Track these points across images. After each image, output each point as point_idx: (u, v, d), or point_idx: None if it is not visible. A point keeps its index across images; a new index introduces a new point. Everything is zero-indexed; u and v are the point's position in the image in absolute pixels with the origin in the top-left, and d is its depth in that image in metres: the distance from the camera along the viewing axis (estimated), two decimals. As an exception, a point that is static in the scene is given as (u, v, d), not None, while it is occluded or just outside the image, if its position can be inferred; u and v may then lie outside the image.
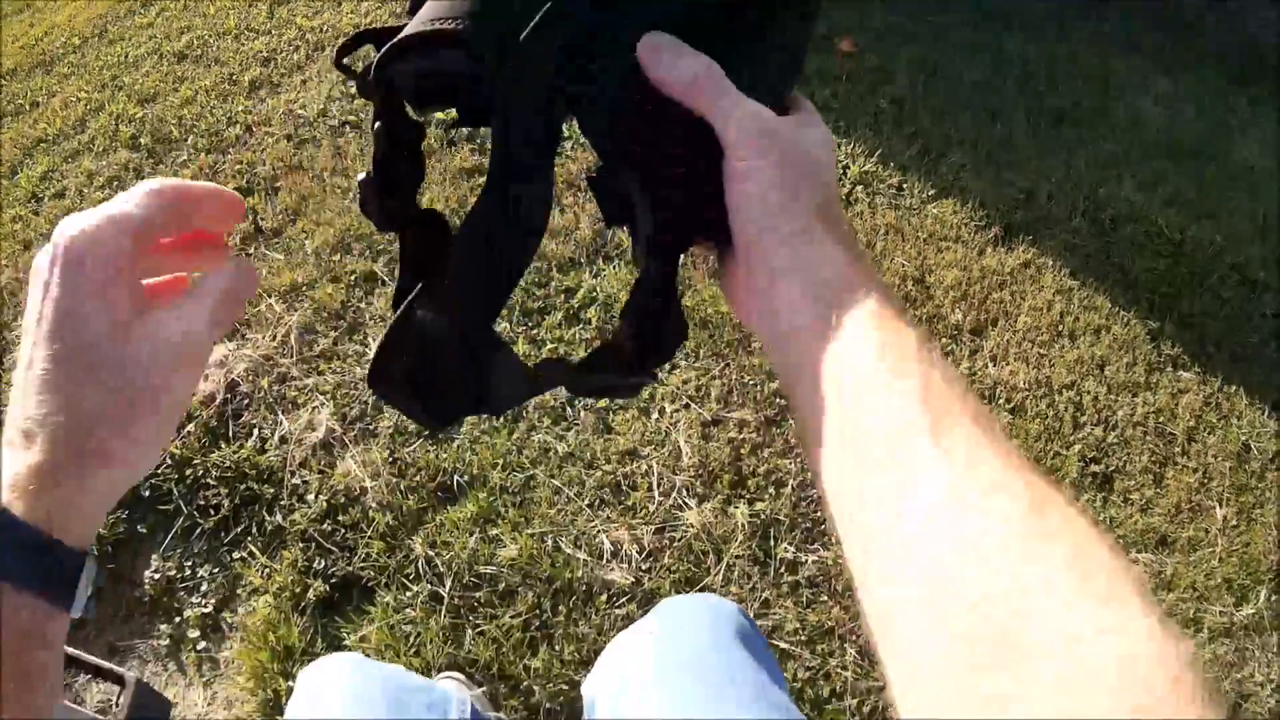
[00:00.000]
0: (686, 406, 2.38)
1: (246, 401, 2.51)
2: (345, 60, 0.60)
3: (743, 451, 2.30)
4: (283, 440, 2.41)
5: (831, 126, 3.33)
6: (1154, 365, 2.72)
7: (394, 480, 2.27)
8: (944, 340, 2.64)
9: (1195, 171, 3.55)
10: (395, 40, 0.51)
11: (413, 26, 0.51)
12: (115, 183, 3.50)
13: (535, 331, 2.59)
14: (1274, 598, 2.24)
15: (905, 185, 3.22)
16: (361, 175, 0.58)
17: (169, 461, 2.35)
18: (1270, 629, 2.19)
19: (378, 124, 0.57)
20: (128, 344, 0.49)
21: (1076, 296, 2.88)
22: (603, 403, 2.35)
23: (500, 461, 2.28)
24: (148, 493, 2.32)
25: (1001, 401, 2.50)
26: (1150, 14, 4.74)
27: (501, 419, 2.34)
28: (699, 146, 0.52)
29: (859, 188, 3.19)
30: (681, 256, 0.58)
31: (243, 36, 4.28)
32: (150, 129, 3.70)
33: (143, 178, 3.31)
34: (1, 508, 0.42)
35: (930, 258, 2.92)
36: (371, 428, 2.40)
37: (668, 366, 2.46)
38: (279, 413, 2.47)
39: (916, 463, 0.41)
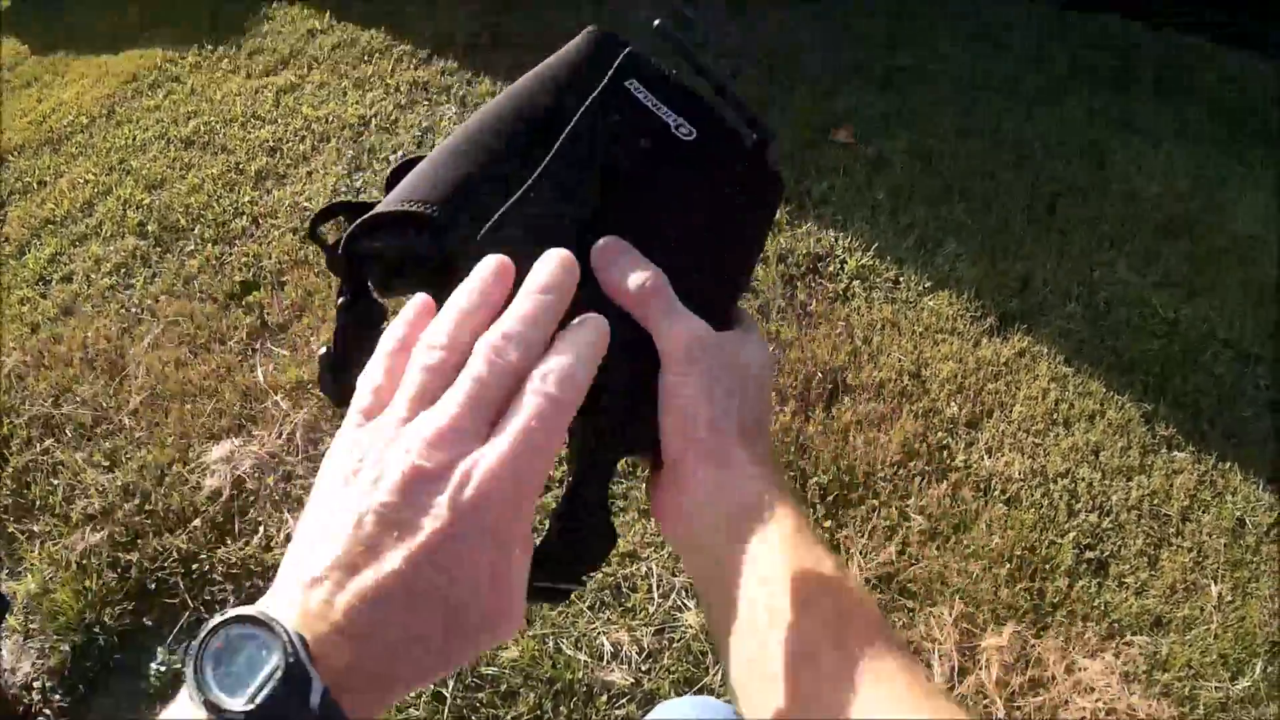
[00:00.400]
0: None
1: (253, 499, 2.71)
2: (320, 229, 0.66)
3: None
4: (288, 539, 2.59)
5: (829, 220, 3.64)
6: (1148, 447, 2.95)
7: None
8: (940, 434, 2.88)
9: (1189, 247, 3.80)
10: (366, 216, 0.55)
11: (385, 205, 0.56)
12: (123, 269, 3.73)
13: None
14: (1270, 669, 2.44)
15: (902, 278, 3.50)
16: (321, 349, 0.61)
17: (175, 556, 2.55)
18: (1267, 700, 2.39)
19: (341, 299, 0.61)
20: (508, 601, 0.45)
21: (1071, 383, 3.12)
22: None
23: None
24: (153, 586, 2.51)
25: (997, 493, 2.73)
26: (1145, 81, 5.05)
27: None
28: (640, 356, 0.56)
29: (856, 282, 3.46)
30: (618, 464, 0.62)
31: (249, 124, 4.60)
32: (157, 216, 3.97)
33: (149, 265, 3.71)
34: (336, 707, 0.38)
35: (926, 351, 3.18)
36: None
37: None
38: (285, 511, 2.68)
39: (819, 685, 0.46)
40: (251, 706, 0.37)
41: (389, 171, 0.66)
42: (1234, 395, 3.19)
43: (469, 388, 0.45)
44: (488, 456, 0.43)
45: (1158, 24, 5.69)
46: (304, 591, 0.41)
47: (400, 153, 4.23)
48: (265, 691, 0.37)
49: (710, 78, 0.62)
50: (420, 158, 0.63)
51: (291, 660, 0.38)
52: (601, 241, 0.57)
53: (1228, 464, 2.93)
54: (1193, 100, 4.97)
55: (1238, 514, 2.80)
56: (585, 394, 0.48)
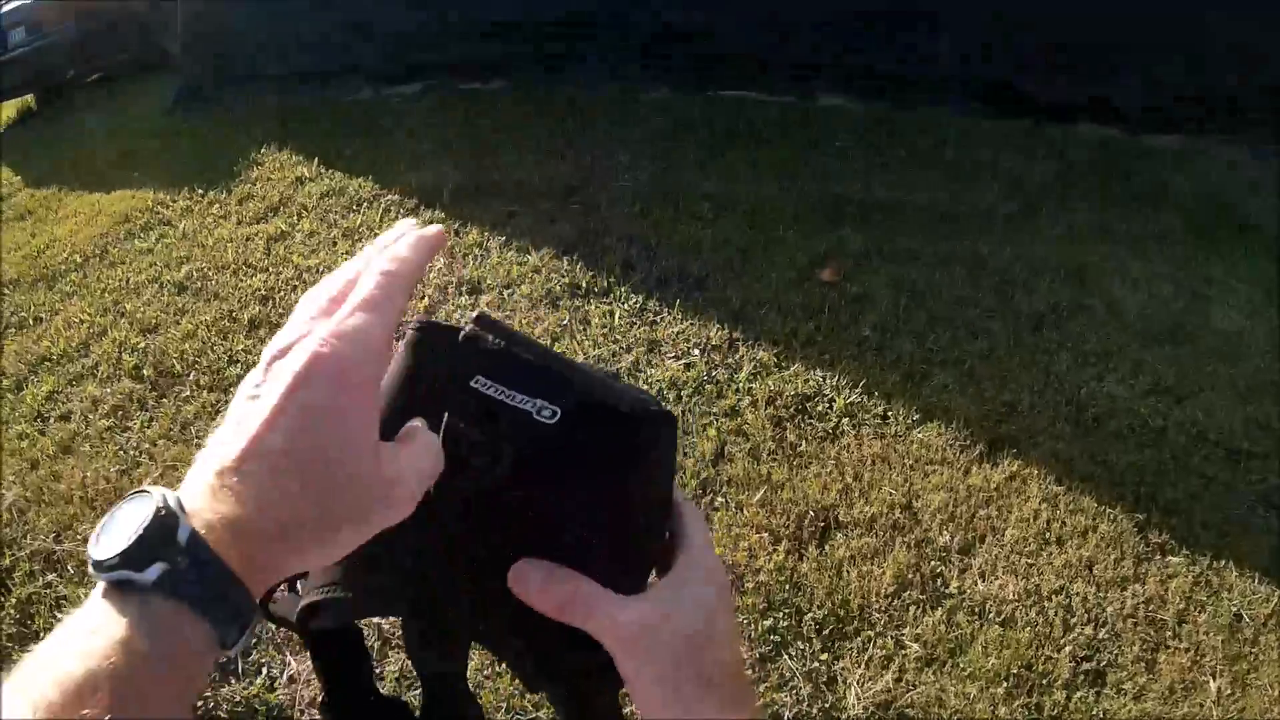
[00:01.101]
0: None
1: (255, 641, 2.97)
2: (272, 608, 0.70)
3: None
4: (291, 680, 2.87)
5: (816, 360, 4.05)
6: (1142, 556, 3.28)
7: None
8: (933, 563, 3.21)
9: (1174, 353, 4.19)
10: (305, 604, 0.63)
11: (306, 593, 0.64)
12: (119, 411, 4.07)
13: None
14: (1273, 761, 2.74)
15: (890, 413, 3.88)
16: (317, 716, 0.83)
17: None
18: (1271, 791, 2.69)
19: (315, 661, 0.70)
20: (377, 464, 0.54)
21: (1062, 502, 3.46)
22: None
23: (504, 704, 2.76)
24: None
25: (991, 615, 3.05)
26: (1120, 189, 5.54)
27: (502, 664, 2.73)
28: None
29: (845, 420, 3.83)
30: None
31: (241, 272, 5.03)
32: (153, 360, 4.35)
33: (146, 410, 4.14)
34: (202, 539, 0.47)
35: (917, 483, 3.55)
36: (378, 671, 2.85)
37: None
38: (287, 653, 2.95)
39: None
40: (125, 545, 0.47)
41: None
42: (1226, 494, 3.52)
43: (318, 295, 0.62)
44: (327, 324, 0.56)
45: (1130, 128, 6.22)
46: (192, 470, 0.51)
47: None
48: (135, 535, 0.47)
49: (543, 367, 0.63)
50: None
51: (162, 510, 0.47)
52: (514, 568, 0.61)
53: (1222, 562, 3.25)
54: (1169, 203, 5.45)
55: (1234, 609, 3.10)
56: (417, 266, 0.64)
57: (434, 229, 0.72)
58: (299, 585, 0.67)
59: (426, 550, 0.62)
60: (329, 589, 0.63)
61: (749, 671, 2.80)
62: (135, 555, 0.47)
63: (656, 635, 0.62)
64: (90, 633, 0.45)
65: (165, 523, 0.48)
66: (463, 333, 0.64)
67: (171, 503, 0.49)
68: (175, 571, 0.47)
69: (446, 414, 0.62)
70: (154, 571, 0.47)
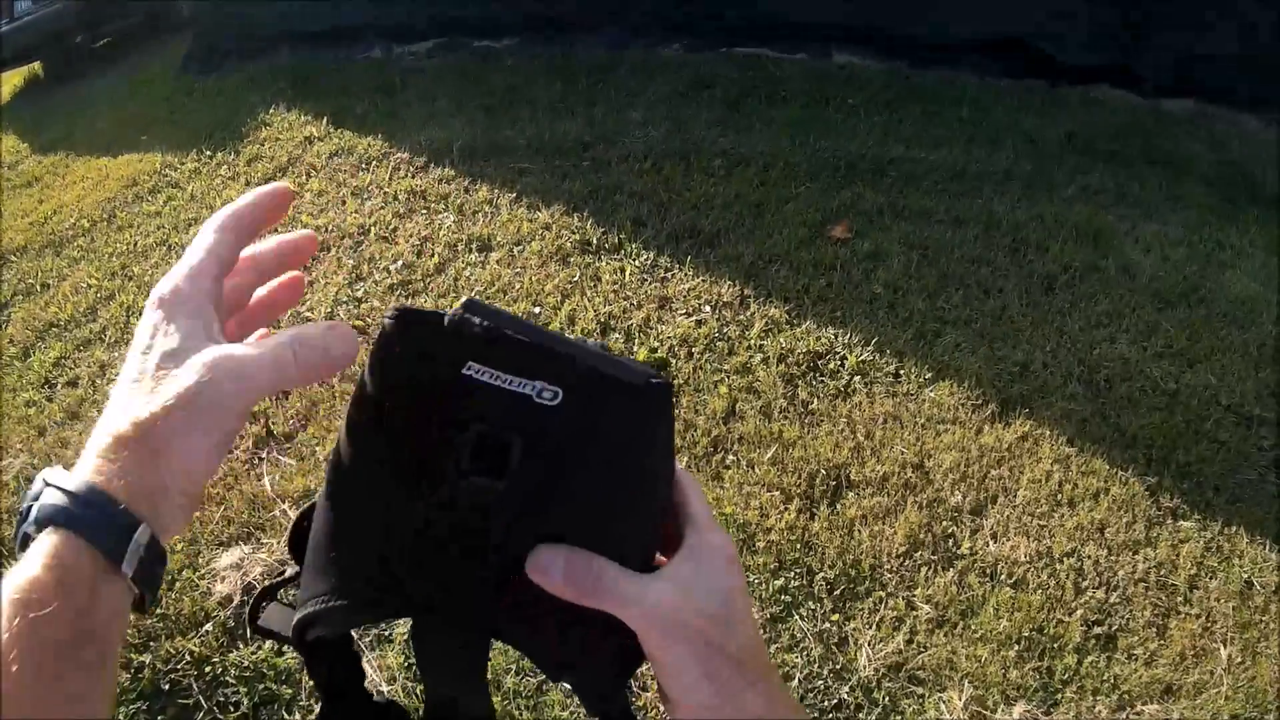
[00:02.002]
0: None
1: (263, 605, 2.98)
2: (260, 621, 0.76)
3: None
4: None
5: (828, 317, 3.97)
6: (1154, 520, 3.22)
7: (410, 684, 2.69)
8: (944, 523, 3.15)
9: (1187, 317, 4.11)
10: (301, 617, 0.63)
11: (301, 605, 0.64)
12: None
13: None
14: (1284, 728, 2.69)
15: (902, 371, 3.81)
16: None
17: (188, 658, 2.78)
18: (1281, 759, 2.64)
19: (312, 674, 0.71)
20: (211, 344, 0.62)
21: (1074, 463, 3.40)
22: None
23: (513, 666, 2.70)
24: (167, 686, 2.73)
25: (1003, 577, 2.99)
26: (1137, 153, 5.43)
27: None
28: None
29: (856, 378, 3.77)
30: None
31: None
32: None
33: None
34: (64, 473, 0.55)
35: (929, 442, 3.48)
36: (388, 633, 2.85)
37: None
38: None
39: None
40: (20, 509, 0.56)
41: (289, 530, 0.74)
42: (1238, 460, 3.46)
43: None
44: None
45: (1146, 91, 6.10)
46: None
47: (400, 261, 4.57)
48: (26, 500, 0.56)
49: (539, 346, 0.59)
50: (309, 513, 0.70)
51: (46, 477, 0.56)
52: (531, 556, 0.59)
53: (1234, 528, 3.19)
54: (1186, 168, 5.35)
55: (1245, 576, 3.04)
56: (250, 207, 0.74)
57: (277, 185, 0.76)
58: (291, 596, 0.69)
59: (431, 546, 0.59)
60: (323, 599, 0.62)
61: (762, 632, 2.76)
62: (24, 512, 0.54)
63: (683, 616, 0.61)
64: None
65: (44, 479, 0.55)
66: (447, 318, 0.58)
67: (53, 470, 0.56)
68: (45, 506, 0.53)
69: (449, 410, 0.59)
70: (31, 514, 0.54)
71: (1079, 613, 2.90)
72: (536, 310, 4.12)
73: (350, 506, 0.64)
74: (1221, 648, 2.85)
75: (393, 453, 0.60)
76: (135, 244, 5.13)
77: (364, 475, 0.63)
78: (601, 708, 0.68)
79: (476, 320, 0.58)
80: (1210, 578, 3.04)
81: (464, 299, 0.60)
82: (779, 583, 2.91)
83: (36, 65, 11.08)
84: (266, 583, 0.80)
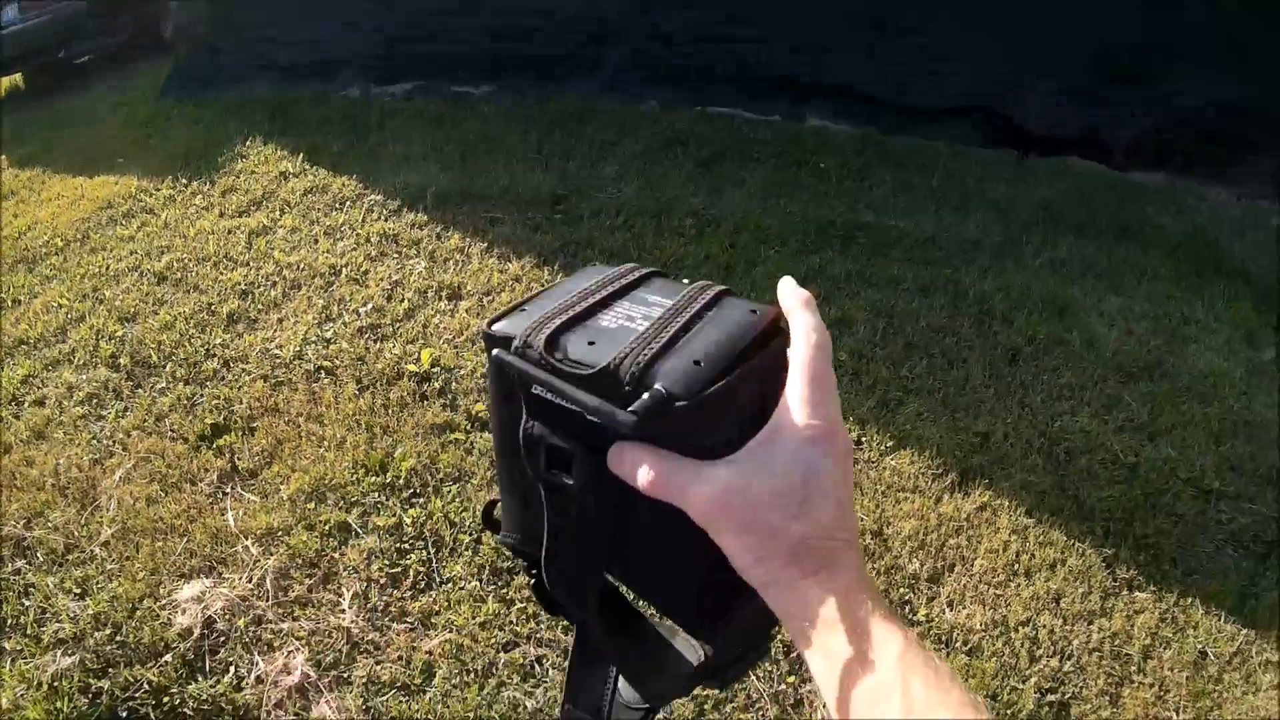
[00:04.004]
0: None
1: (223, 639, 3.06)
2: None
3: (705, 708, 2.90)
4: (259, 680, 2.94)
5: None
6: (1109, 591, 3.40)
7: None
8: (901, 590, 3.33)
9: (1149, 390, 4.33)
10: (499, 539, 0.85)
11: (502, 537, 0.84)
12: (95, 400, 4.16)
13: (504, 591, 3.24)
14: (1233, 797, 2.86)
15: (864, 438, 3.99)
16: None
17: (146, 687, 2.87)
18: (1232, 829, 2.80)
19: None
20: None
21: (1032, 534, 3.58)
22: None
23: (472, 715, 2.85)
24: (125, 714, 2.83)
25: (958, 644, 3.16)
26: (1105, 224, 5.70)
27: (471, 675, 2.92)
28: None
29: (819, 447, 3.94)
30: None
31: (221, 265, 5.12)
32: (130, 349, 4.43)
33: (121, 399, 4.25)
34: None
35: (888, 509, 3.66)
36: (346, 675, 2.96)
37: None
38: (255, 653, 3.02)
39: None
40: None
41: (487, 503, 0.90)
42: (1195, 532, 3.65)
43: None
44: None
45: (1116, 162, 6.40)
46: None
47: (370, 304, 4.72)
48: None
49: (562, 394, 0.68)
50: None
51: None
52: (610, 452, 0.68)
53: (1189, 599, 3.37)
54: (1153, 240, 5.63)
55: (1200, 646, 3.22)
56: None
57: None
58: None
59: (564, 523, 0.73)
60: (505, 535, 0.84)
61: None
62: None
63: (738, 503, 0.66)
64: None
65: None
66: (493, 356, 0.72)
67: None
68: None
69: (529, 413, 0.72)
70: None
71: (1033, 680, 3.07)
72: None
73: (504, 467, 0.80)
74: (1175, 716, 3.02)
75: (514, 431, 0.73)
76: (107, 267, 5.26)
77: (505, 443, 0.77)
78: (695, 633, 0.83)
79: (512, 366, 0.70)
80: (1164, 648, 3.22)
81: (521, 339, 0.71)
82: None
83: (18, 77, 11.27)
84: (491, 498, 0.90)
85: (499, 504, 0.87)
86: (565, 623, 2.95)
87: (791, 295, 0.77)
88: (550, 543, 0.75)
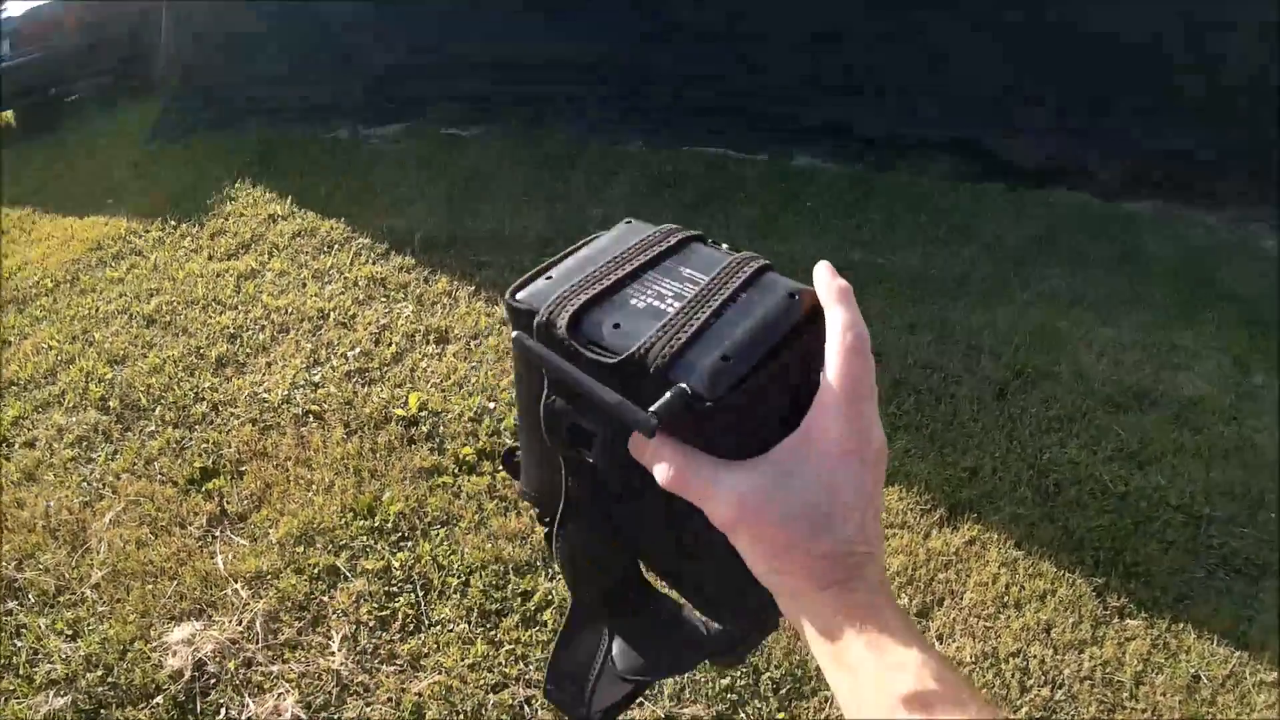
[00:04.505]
0: (640, 705, 3.04)
1: (214, 681, 3.11)
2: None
3: None
4: None
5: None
6: (1100, 619, 3.44)
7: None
8: (892, 626, 3.37)
9: (1139, 420, 4.39)
10: (520, 489, 0.86)
11: (522, 488, 0.86)
12: (84, 442, 4.20)
13: (493, 633, 3.27)
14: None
15: (854, 477, 4.04)
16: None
17: None
18: None
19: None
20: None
21: (1021, 566, 3.62)
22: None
23: None
24: None
25: (948, 676, 3.20)
26: (1095, 255, 5.78)
27: (461, 716, 2.95)
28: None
29: (808, 486, 3.99)
30: None
31: (210, 308, 5.18)
32: (119, 392, 4.48)
33: (110, 442, 4.31)
34: None
35: (878, 546, 3.70)
36: (336, 717, 3.01)
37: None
38: (245, 695, 3.07)
39: None
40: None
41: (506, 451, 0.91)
42: (1186, 558, 3.69)
43: None
44: None
45: (1104, 192, 6.49)
46: None
47: (358, 348, 4.77)
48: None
49: (579, 386, 0.66)
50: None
51: None
52: (629, 445, 0.68)
53: (1181, 625, 3.41)
54: (1142, 269, 5.69)
55: (1193, 671, 3.26)
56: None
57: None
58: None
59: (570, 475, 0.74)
60: (524, 492, 0.85)
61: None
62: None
63: (758, 514, 0.64)
64: None
65: None
66: (515, 337, 0.71)
67: None
68: None
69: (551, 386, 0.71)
70: None
71: (1024, 710, 3.10)
72: (491, 406, 4.33)
73: (526, 431, 0.80)
74: (1166, 743, 3.06)
75: (536, 402, 0.72)
76: (97, 309, 5.33)
77: (527, 410, 0.76)
78: (708, 612, 0.83)
79: (529, 347, 0.69)
80: (1157, 673, 3.26)
81: (543, 316, 0.69)
82: (725, 681, 3.09)
83: (9, 114, 11.31)
84: (511, 444, 0.90)
85: (518, 450, 0.87)
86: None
87: (827, 286, 0.72)
88: (565, 510, 0.76)
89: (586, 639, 0.89)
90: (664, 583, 0.85)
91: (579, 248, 0.79)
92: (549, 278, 0.74)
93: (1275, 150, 6.30)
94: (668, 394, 0.62)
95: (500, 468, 3.81)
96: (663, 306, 0.70)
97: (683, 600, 0.86)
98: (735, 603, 0.78)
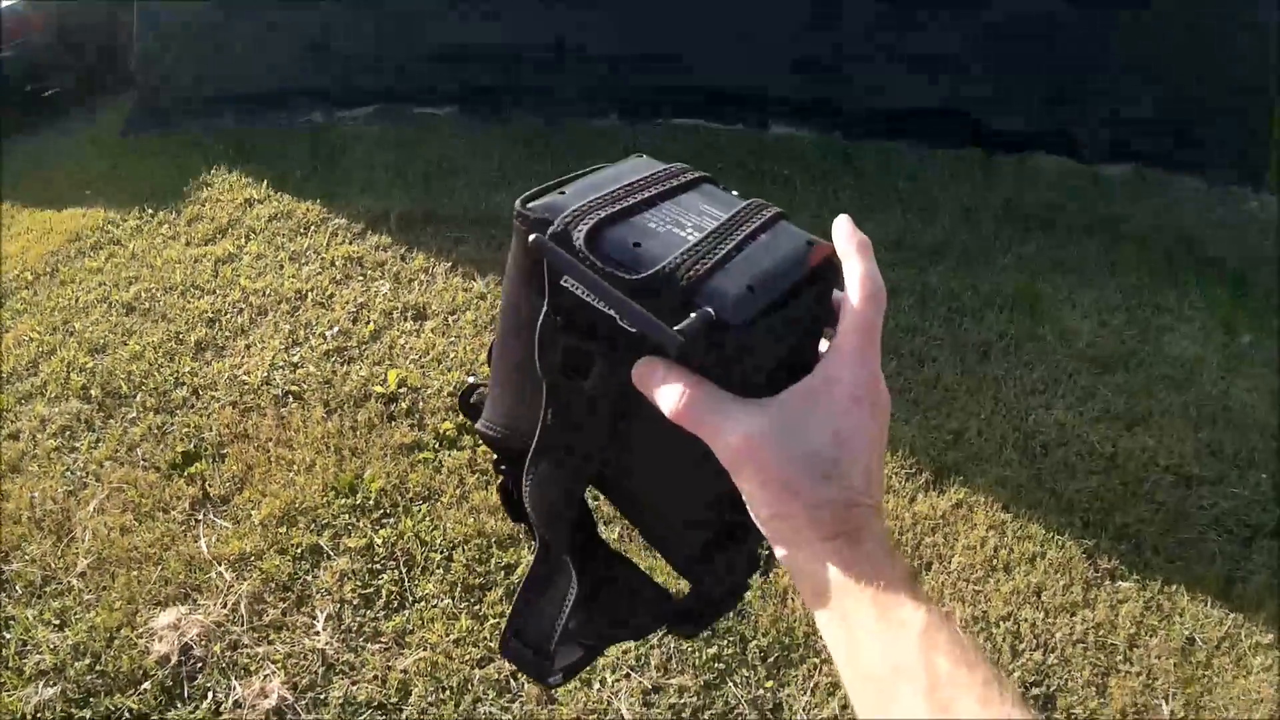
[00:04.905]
0: (627, 676, 3.01)
1: (200, 665, 3.06)
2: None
3: (684, 716, 2.91)
4: (236, 705, 2.94)
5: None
6: (1091, 582, 3.40)
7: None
8: (881, 592, 3.32)
9: (1125, 381, 4.35)
10: (479, 429, 0.81)
11: (480, 425, 0.81)
12: (67, 431, 4.12)
13: (477, 608, 3.22)
14: (1225, 784, 2.86)
15: (837, 443, 3.99)
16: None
17: (127, 715, 2.88)
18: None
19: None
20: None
21: (1010, 529, 3.58)
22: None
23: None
24: None
25: (939, 642, 3.16)
26: (1074, 219, 5.74)
27: (447, 692, 2.92)
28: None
29: (792, 452, 3.94)
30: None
31: (189, 294, 5.09)
32: (100, 381, 4.39)
33: (93, 430, 4.24)
34: None
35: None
36: (322, 697, 2.96)
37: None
38: (232, 678, 3.02)
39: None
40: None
41: (462, 391, 0.87)
42: (1177, 519, 3.66)
43: None
44: None
45: (1083, 157, 6.45)
46: None
47: (336, 328, 4.70)
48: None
49: (604, 297, 0.63)
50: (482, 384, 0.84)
51: None
52: (636, 365, 0.65)
53: (1174, 586, 3.38)
54: (1124, 232, 5.65)
55: (1187, 633, 3.23)
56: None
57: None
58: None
59: (553, 402, 0.69)
60: (489, 425, 0.79)
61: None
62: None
63: (768, 453, 0.63)
64: None
65: None
66: (531, 239, 0.66)
67: None
68: None
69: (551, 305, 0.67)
70: None
71: (1016, 675, 3.06)
72: (470, 379, 4.23)
73: (506, 355, 0.76)
74: (1164, 704, 3.02)
75: (528, 321, 0.68)
76: (76, 299, 5.23)
77: (514, 330, 0.72)
78: (679, 567, 0.80)
79: (553, 254, 0.64)
80: (1150, 636, 3.23)
81: (557, 226, 0.66)
82: (712, 650, 3.04)
83: None
84: (470, 380, 0.88)
85: (478, 389, 0.85)
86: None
87: (847, 238, 0.72)
88: (542, 441, 0.72)
89: (551, 595, 0.84)
90: (634, 529, 0.84)
91: (588, 172, 0.76)
92: (561, 193, 0.71)
93: (1254, 115, 6.28)
94: (692, 315, 0.60)
95: (481, 442, 3.75)
96: (683, 235, 0.68)
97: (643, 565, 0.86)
98: (714, 564, 0.78)
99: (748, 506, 0.65)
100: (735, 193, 0.80)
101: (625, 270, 0.63)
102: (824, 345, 0.73)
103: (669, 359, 0.63)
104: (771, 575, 3.33)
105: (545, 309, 0.67)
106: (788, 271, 0.69)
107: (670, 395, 0.64)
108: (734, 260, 0.67)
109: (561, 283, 0.65)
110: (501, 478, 0.83)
